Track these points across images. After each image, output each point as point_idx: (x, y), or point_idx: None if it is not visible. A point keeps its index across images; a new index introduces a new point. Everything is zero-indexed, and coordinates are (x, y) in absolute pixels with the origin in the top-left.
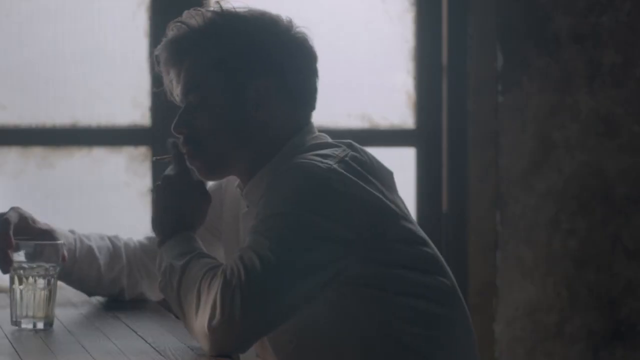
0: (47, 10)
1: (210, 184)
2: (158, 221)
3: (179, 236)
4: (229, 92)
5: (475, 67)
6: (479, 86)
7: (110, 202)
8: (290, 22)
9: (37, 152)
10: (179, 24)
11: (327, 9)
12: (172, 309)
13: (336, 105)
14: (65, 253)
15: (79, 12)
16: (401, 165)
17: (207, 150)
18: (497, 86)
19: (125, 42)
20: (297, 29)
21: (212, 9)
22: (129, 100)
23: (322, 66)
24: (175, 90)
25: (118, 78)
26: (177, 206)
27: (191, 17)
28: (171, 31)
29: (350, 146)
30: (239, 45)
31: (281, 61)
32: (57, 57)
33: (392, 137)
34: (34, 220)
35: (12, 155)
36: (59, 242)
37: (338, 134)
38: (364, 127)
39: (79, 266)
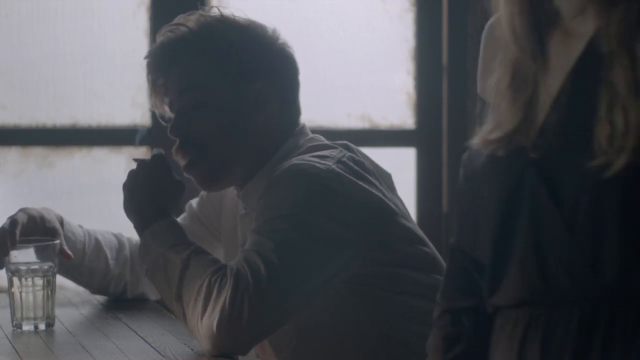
0: (47, 10)
1: None
2: (135, 203)
3: (163, 221)
4: (229, 94)
5: (475, 67)
6: None
7: (110, 202)
8: (275, 31)
9: (37, 152)
10: (175, 26)
11: (327, 9)
12: (161, 295)
13: (336, 106)
14: (69, 251)
15: (79, 12)
16: (401, 165)
17: (208, 154)
18: None
19: (125, 42)
20: (282, 40)
21: (209, 13)
22: (128, 100)
23: (322, 66)
24: (164, 95)
25: (118, 78)
26: (156, 188)
27: (188, 20)
28: (166, 34)
29: (346, 147)
30: (237, 49)
31: (275, 66)
32: (57, 57)
33: (392, 138)
34: (42, 219)
35: (12, 155)
36: (55, 242)
37: (338, 134)
38: (364, 128)
39: (88, 259)
